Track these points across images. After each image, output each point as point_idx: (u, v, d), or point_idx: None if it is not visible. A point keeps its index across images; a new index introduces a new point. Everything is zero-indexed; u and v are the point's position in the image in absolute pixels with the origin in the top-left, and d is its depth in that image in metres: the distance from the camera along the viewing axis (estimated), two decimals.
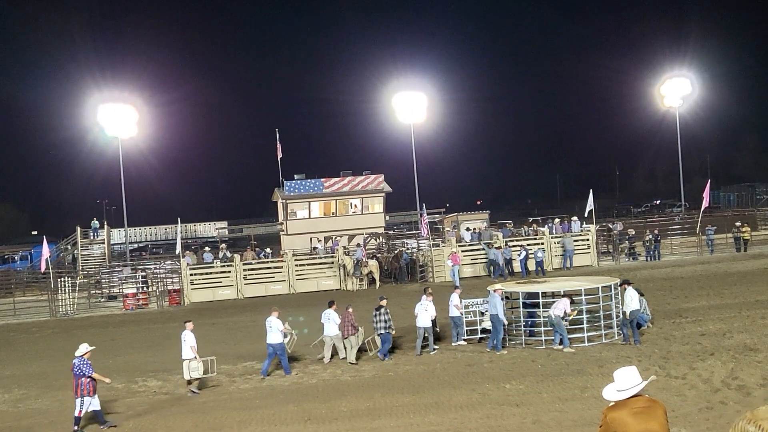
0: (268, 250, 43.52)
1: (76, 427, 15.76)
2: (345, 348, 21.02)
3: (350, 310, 21.33)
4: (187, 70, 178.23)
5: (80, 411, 15.67)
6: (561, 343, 20.44)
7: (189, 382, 18.72)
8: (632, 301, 20.62)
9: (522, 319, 21.96)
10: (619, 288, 21.32)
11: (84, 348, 15.99)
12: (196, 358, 18.65)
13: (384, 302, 21.46)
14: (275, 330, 19.77)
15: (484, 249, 40.74)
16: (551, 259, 41.60)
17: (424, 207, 43.96)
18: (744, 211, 63.15)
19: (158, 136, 74.59)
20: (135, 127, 54.21)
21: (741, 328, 21.43)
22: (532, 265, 39.84)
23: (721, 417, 13.35)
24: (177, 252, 41.51)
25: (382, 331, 21.02)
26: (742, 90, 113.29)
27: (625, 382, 6.89)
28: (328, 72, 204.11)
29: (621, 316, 20.95)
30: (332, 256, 40.77)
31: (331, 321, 20.98)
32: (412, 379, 18.45)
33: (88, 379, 15.70)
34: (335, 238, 46.45)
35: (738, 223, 45.39)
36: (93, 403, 15.86)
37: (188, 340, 18.71)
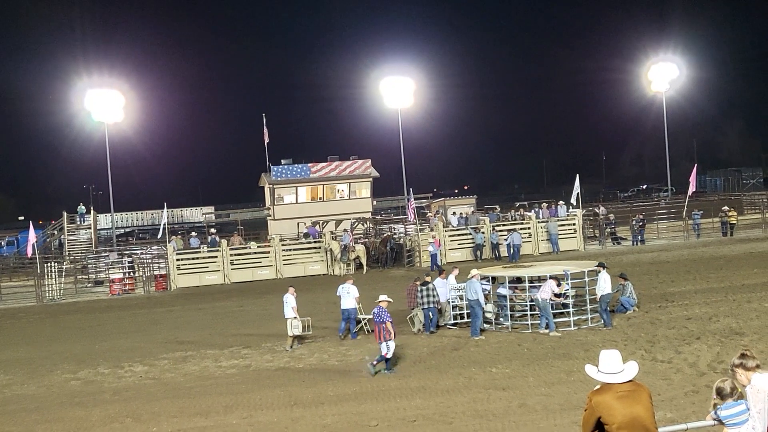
0: (253, 243, 42.82)
1: (387, 365, 17.35)
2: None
3: (418, 282, 21.92)
4: (173, 55, 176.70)
5: (386, 353, 17.24)
6: (547, 327, 20.48)
7: (294, 339, 20.90)
8: (605, 284, 20.70)
9: (506, 302, 21.97)
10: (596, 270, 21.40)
11: (383, 297, 17.80)
12: (296, 317, 20.80)
13: (429, 278, 22.01)
14: (351, 296, 21.50)
15: (470, 234, 40.86)
16: (537, 244, 41.73)
17: (411, 192, 43.96)
18: (730, 196, 63.56)
19: (145, 121, 74.10)
20: (121, 112, 53.85)
21: (727, 312, 21.48)
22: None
23: (707, 401, 13.28)
24: (159, 236, 41.30)
25: (426, 306, 21.38)
26: (728, 75, 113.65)
27: (610, 365, 6.91)
28: (315, 56, 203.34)
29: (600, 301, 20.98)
30: (318, 241, 40.67)
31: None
32: (399, 363, 18.45)
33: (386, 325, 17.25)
34: (322, 223, 46.26)
35: (725, 208, 45.69)
36: (390, 347, 17.27)
37: (289, 301, 20.87)
